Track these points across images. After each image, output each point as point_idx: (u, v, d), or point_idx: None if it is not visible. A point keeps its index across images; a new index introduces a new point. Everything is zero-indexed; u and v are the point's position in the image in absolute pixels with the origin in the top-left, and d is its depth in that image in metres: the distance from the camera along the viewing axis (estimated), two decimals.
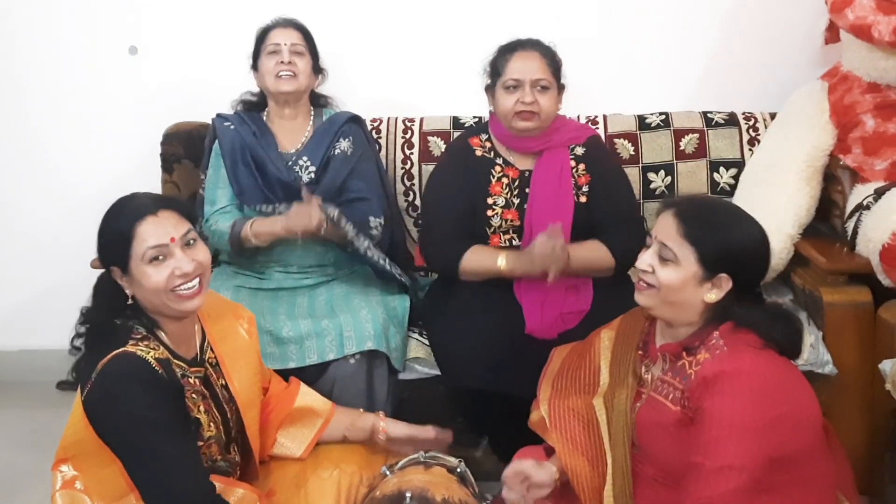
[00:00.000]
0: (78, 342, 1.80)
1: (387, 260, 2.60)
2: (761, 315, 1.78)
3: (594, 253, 2.47)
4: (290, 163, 2.67)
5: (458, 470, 1.96)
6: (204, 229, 2.56)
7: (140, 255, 1.76)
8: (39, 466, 2.76)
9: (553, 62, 2.53)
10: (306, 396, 2.15)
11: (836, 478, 1.82)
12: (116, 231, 1.78)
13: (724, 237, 1.77)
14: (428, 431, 2.11)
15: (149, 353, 1.75)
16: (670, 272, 1.76)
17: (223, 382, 1.95)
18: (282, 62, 2.64)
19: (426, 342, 2.54)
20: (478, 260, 2.48)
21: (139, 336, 1.79)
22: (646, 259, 1.81)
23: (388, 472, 1.94)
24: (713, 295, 1.76)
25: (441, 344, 2.48)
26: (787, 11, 3.07)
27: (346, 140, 2.72)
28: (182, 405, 1.79)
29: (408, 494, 1.79)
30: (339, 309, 2.50)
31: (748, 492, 1.62)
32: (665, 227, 1.79)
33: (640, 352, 1.94)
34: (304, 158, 2.68)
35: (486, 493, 1.97)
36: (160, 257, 1.77)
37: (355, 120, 2.80)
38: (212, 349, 1.96)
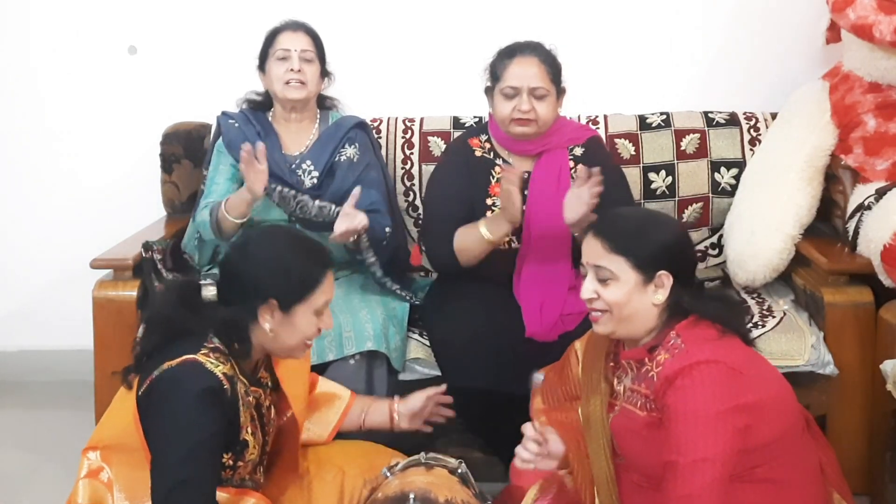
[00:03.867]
0: (151, 339, 1.77)
1: (388, 280, 2.61)
2: (710, 300, 1.84)
3: None
4: (293, 166, 2.65)
5: (459, 471, 1.95)
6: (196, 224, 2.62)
7: (316, 304, 1.81)
8: (39, 466, 2.78)
9: (552, 68, 2.50)
10: (325, 385, 2.17)
11: (823, 468, 1.83)
12: (308, 273, 1.80)
13: (646, 237, 1.81)
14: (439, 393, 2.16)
15: (217, 366, 1.72)
16: (613, 290, 1.79)
17: (268, 404, 1.91)
18: (291, 69, 2.61)
19: (426, 342, 2.53)
20: (465, 240, 2.47)
21: (211, 346, 1.75)
22: (588, 287, 1.83)
23: (388, 474, 1.94)
24: (660, 295, 1.79)
25: (441, 344, 2.47)
26: (787, 11, 3.07)
27: (353, 147, 2.70)
28: (234, 427, 1.75)
29: (411, 495, 1.79)
30: (339, 309, 2.48)
31: (726, 481, 1.64)
32: (592, 250, 1.83)
33: (611, 364, 1.96)
34: (308, 162, 2.66)
35: (486, 494, 1.97)
36: (323, 313, 1.84)
37: (362, 126, 2.77)
38: (265, 369, 1.93)
